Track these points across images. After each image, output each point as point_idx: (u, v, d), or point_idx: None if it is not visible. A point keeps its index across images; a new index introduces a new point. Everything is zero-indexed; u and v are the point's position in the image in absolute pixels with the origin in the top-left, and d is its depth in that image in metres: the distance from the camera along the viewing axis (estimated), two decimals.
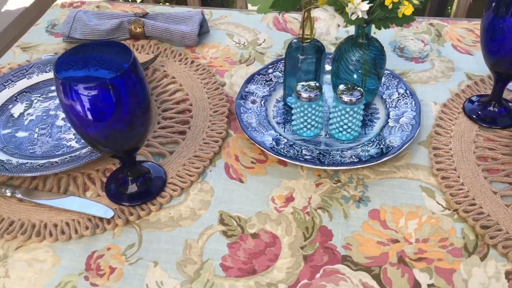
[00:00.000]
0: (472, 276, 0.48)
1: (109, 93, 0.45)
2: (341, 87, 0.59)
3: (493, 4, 0.55)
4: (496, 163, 0.58)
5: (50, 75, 0.72)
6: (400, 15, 0.55)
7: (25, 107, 0.68)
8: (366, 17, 0.54)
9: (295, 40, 0.63)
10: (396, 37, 0.80)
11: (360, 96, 0.58)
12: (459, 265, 0.49)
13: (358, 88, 0.59)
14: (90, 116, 0.46)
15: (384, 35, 0.79)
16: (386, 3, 0.54)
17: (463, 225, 0.52)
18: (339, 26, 0.57)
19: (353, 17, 0.53)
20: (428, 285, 0.47)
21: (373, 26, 0.58)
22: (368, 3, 0.53)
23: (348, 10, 0.53)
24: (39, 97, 0.70)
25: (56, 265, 0.51)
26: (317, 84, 0.60)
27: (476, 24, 0.82)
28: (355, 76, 0.62)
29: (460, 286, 0.47)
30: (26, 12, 1.49)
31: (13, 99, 0.69)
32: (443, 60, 0.75)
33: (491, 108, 0.63)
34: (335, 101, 0.59)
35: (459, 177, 0.56)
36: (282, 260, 0.50)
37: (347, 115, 0.59)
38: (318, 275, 0.48)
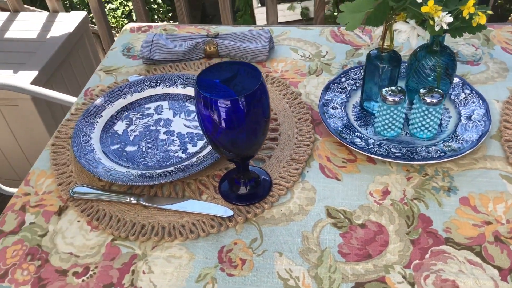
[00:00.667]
0: None
1: (241, 106, 0.52)
2: (422, 90, 0.66)
3: None
4: None
5: (143, 94, 0.80)
6: (474, 24, 0.63)
7: (126, 124, 0.75)
8: (448, 28, 0.62)
9: (373, 50, 0.70)
10: (448, 43, 0.87)
11: (440, 98, 0.65)
12: None
13: (438, 91, 0.66)
14: (223, 125, 0.53)
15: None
16: (464, 14, 0.61)
17: None
18: (419, 36, 0.64)
19: (437, 28, 0.61)
20: None
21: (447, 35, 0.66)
22: (450, 15, 0.60)
23: (434, 22, 0.60)
24: (136, 114, 0.77)
25: (192, 260, 0.57)
26: (400, 89, 0.67)
27: None
28: (429, 80, 0.69)
29: None
30: (69, 37, 1.57)
31: (113, 118, 0.76)
32: (496, 62, 0.82)
33: None
34: (417, 103, 0.66)
35: None
36: (392, 245, 0.57)
37: (429, 115, 0.66)
38: (427, 256, 0.55)
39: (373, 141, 0.68)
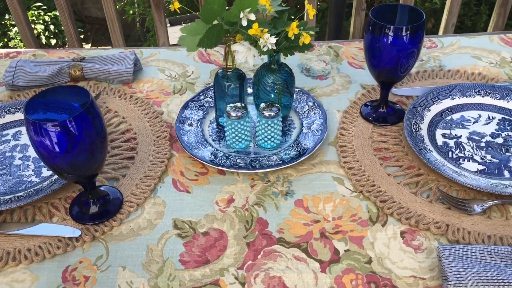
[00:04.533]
0: (376, 239, 0.62)
1: (71, 129, 0.55)
2: (262, 105, 0.72)
3: (370, 27, 0.71)
4: (388, 152, 0.73)
5: (1, 121, 0.79)
6: (301, 44, 0.70)
7: None
8: (275, 48, 0.68)
9: (220, 70, 0.75)
10: (302, 60, 0.95)
11: (277, 111, 0.71)
12: (367, 232, 0.63)
13: (276, 105, 0.72)
14: (57, 149, 0.55)
15: (293, 59, 0.94)
16: (289, 35, 0.68)
17: (367, 202, 0.67)
18: (254, 56, 0.70)
19: (265, 49, 0.67)
20: (345, 250, 0.61)
21: (281, 53, 0.72)
22: (275, 37, 0.67)
23: (260, 44, 0.67)
24: None
25: (35, 283, 0.58)
26: (243, 105, 0.72)
27: None
28: (272, 95, 0.76)
29: (369, 248, 0.61)
30: None
31: None
32: (341, 76, 0.91)
33: (381, 110, 0.80)
34: (259, 117, 0.72)
35: (361, 166, 0.71)
36: (230, 249, 0.61)
37: (269, 127, 0.72)
38: (259, 256, 0.60)
39: (222, 153, 0.73)
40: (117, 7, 1.54)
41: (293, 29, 0.68)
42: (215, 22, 0.68)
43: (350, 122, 0.79)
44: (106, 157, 0.64)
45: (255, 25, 0.66)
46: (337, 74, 0.91)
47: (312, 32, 0.70)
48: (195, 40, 0.69)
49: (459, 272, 0.54)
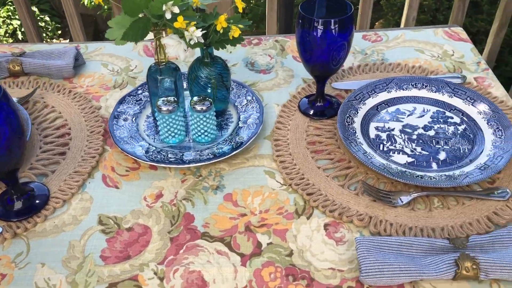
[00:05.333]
0: (300, 232, 0.62)
1: None
2: (194, 99, 0.72)
3: (300, 21, 0.71)
4: (321, 145, 0.74)
5: None
6: (230, 38, 0.70)
7: None
8: (202, 41, 0.68)
9: (153, 64, 0.75)
10: (248, 54, 0.95)
11: (209, 105, 0.71)
12: (291, 225, 0.63)
13: (208, 99, 0.72)
14: None
15: (238, 54, 0.94)
16: (218, 28, 0.68)
17: (295, 195, 0.67)
18: (185, 50, 0.70)
19: (192, 42, 0.66)
20: (267, 243, 0.61)
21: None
22: (202, 30, 0.66)
23: (186, 37, 0.66)
24: None
25: None
26: (174, 98, 0.72)
27: None
28: (208, 90, 0.75)
29: (291, 240, 0.61)
30: None
31: None
32: (285, 70, 0.91)
33: (318, 104, 0.80)
34: (191, 111, 0.72)
35: (293, 160, 0.71)
36: (152, 244, 0.61)
37: (202, 121, 0.72)
38: (181, 251, 0.60)
39: (154, 148, 0.72)
40: (91, 2, 1.52)
41: (221, 22, 0.67)
42: (142, 15, 0.67)
43: (287, 116, 0.79)
44: (32, 155, 0.63)
45: (180, 18, 0.65)
46: (281, 68, 0.91)
47: (241, 26, 0.70)
48: (122, 33, 0.68)
49: (372, 264, 0.54)
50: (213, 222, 0.63)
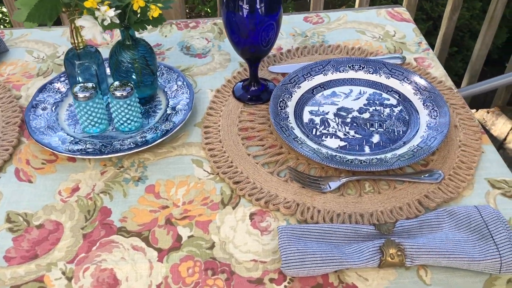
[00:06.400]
0: (224, 223, 0.58)
1: None
2: (115, 84, 0.67)
3: (225, 1, 0.67)
4: (253, 131, 0.70)
5: None
6: (150, 18, 0.65)
7: None
8: (117, 21, 0.63)
9: (71, 48, 0.69)
10: (185, 38, 0.90)
11: (130, 90, 0.66)
12: (216, 216, 0.59)
13: (129, 84, 0.67)
14: None
15: (173, 37, 0.89)
16: (134, 8, 0.63)
17: (222, 184, 0.63)
18: (102, 32, 0.65)
19: (105, 23, 0.62)
20: (188, 236, 0.57)
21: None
22: (117, 10, 0.61)
23: (98, 18, 0.61)
24: None
25: None
26: (93, 84, 0.67)
27: None
28: (133, 76, 0.70)
29: (214, 232, 0.57)
30: None
31: None
32: (222, 53, 0.86)
33: (253, 88, 0.76)
34: (111, 98, 0.67)
35: (222, 147, 0.67)
36: (62, 242, 0.56)
37: (123, 108, 0.67)
38: (94, 248, 0.56)
39: (72, 139, 0.67)
40: None
41: (138, 1, 0.63)
42: None
43: (220, 102, 0.75)
44: None
45: None
46: (218, 52, 0.87)
47: (160, 5, 0.65)
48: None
49: (293, 254, 0.51)
50: (131, 216, 0.59)
